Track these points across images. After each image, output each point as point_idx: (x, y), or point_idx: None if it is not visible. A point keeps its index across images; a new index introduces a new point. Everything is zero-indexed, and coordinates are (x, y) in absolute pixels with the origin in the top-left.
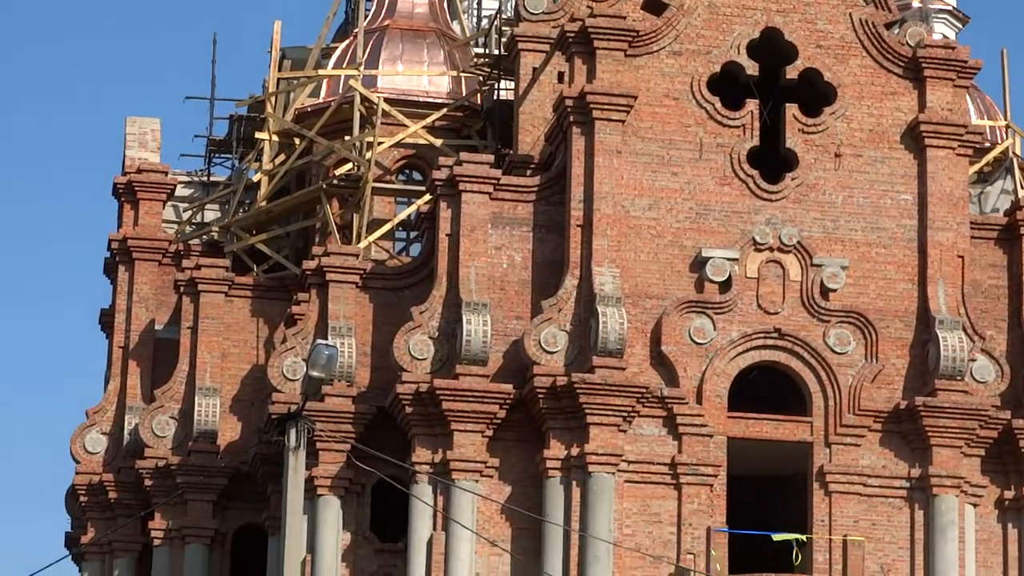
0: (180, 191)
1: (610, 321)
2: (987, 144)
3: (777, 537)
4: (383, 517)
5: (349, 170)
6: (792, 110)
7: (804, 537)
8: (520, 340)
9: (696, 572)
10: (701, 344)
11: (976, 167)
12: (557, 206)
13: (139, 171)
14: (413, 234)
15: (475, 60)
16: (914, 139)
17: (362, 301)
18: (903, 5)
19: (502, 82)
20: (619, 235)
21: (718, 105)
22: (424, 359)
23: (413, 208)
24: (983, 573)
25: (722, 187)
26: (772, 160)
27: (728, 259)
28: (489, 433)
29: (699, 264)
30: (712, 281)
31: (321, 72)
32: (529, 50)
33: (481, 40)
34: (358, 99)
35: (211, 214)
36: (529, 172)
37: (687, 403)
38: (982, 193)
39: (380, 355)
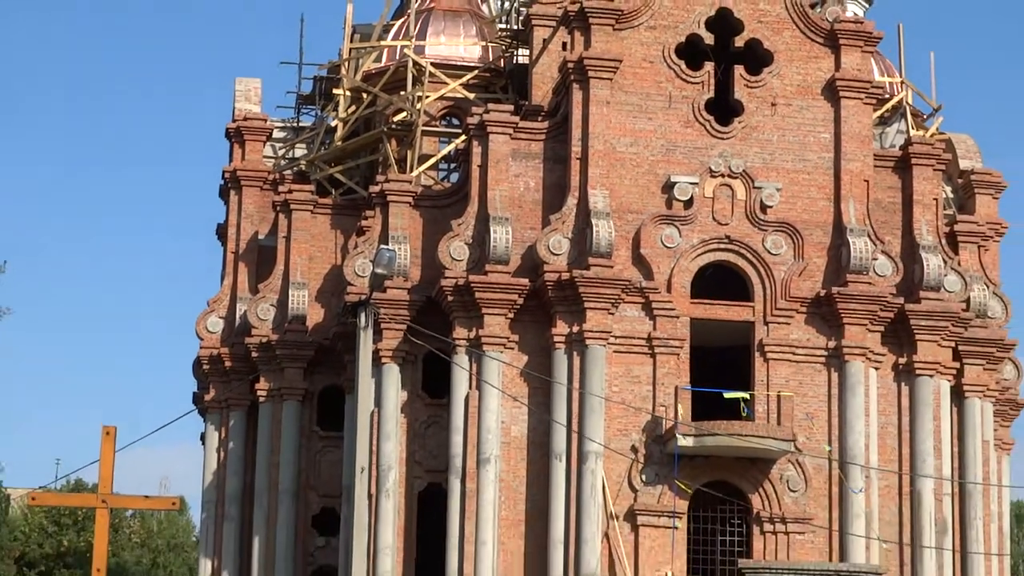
0: (276, 134)
1: (601, 231)
2: (887, 96)
3: (728, 395)
4: (432, 380)
5: (404, 117)
6: (739, 70)
7: (748, 394)
8: (534, 245)
9: (667, 420)
10: (670, 248)
11: (878, 113)
12: (561, 143)
13: (245, 119)
14: (453, 165)
15: (499, 33)
16: (832, 92)
17: (414, 216)
18: None
19: (520, 50)
20: (608, 165)
21: (683, 67)
22: (461, 260)
23: (452, 146)
24: (882, 420)
25: (686, 129)
26: (724, 108)
27: (691, 183)
28: (511, 316)
29: (668, 187)
30: (678, 200)
31: (383, 43)
32: (540, 25)
33: (504, 18)
34: (411, 63)
35: (300, 151)
36: (540, 118)
37: (660, 292)
38: (883, 133)
39: (428, 257)
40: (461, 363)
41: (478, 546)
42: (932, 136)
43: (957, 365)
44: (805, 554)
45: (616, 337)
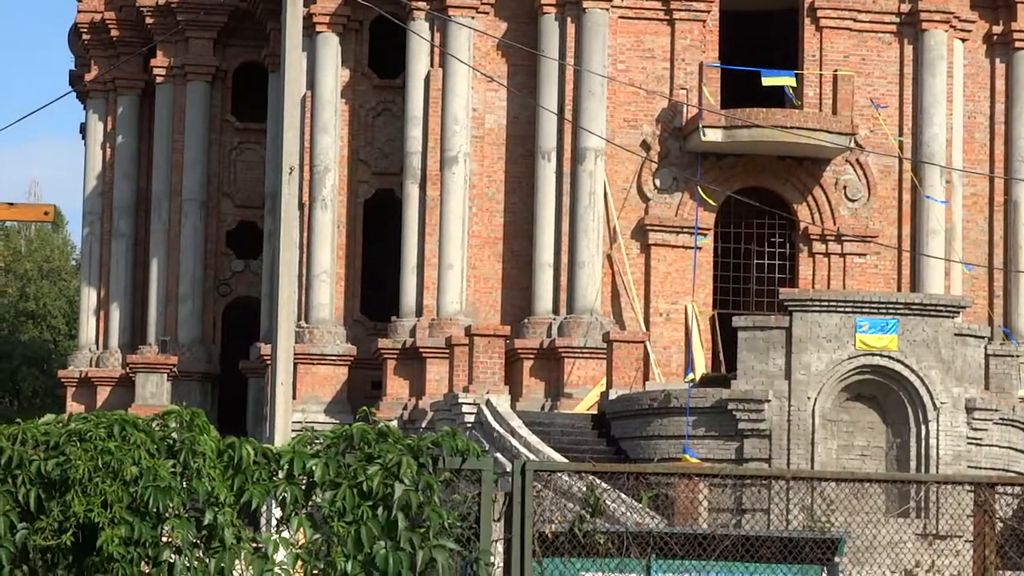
0: None
1: None
2: None
3: (768, 79)
4: (381, 54)
5: None
6: None
7: (794, 74)
8: None
9: (688, 106)
10: None
11: None
12: None
13: None
14: None
15: None
16: None
17: None
18: None
19: None
20: None
21: None
22: None
23: None
24: (970, 107)
25: None
26: None
27: None
28: None
29: None
30: None
31: None
32: None
33: None
34: None
35: None
36: None
37: None
38: None
39: None
40: (420, 31)
41: (442, 270)
42: None
43: None
44: (866, 282)
45: None
